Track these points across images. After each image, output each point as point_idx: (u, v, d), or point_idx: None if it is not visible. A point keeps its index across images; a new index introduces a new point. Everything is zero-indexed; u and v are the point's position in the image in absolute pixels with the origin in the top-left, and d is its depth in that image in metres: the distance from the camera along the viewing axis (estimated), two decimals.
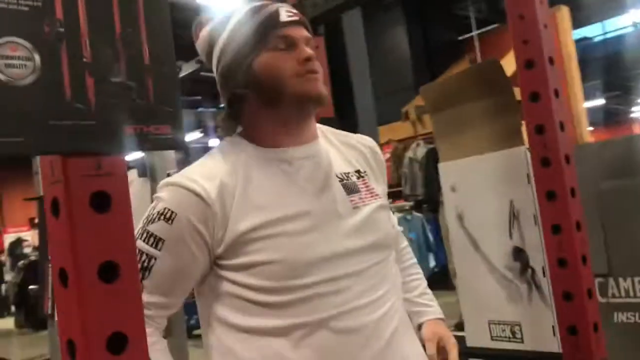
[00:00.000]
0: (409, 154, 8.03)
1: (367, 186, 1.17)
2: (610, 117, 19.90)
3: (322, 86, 1.09)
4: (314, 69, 1.07)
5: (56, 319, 1.04)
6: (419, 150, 7.71)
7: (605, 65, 16.08)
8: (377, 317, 1.08)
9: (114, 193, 0.70)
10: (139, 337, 0.71)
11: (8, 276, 12.03)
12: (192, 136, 14.43)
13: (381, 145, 8.93)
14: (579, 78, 7.69)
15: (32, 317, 9.40)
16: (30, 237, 13.10)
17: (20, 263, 10.58)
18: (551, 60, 1.43)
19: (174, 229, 1.01)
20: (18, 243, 12.82)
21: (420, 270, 1.37)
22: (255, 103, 1.10)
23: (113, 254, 0.69)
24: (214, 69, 1.14)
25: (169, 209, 1.02)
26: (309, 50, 1.08)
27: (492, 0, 11.19)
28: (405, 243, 1.40)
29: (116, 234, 0.70)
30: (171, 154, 2.47)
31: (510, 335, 2.03)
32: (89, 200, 0.68)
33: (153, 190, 2.19)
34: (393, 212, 5.44)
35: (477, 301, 2.14)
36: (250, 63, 1.07)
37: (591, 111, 18.17)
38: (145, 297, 1.00)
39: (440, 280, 5.06)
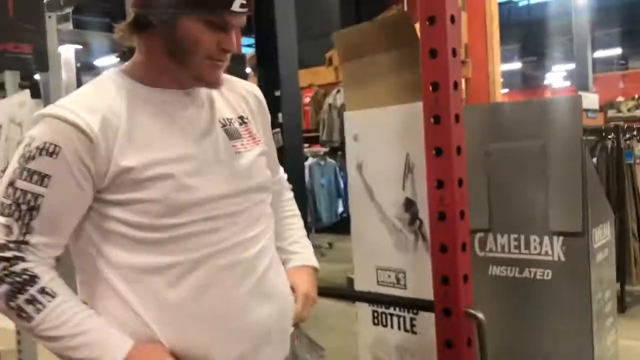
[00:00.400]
0: (329, 100, 8.05)
1: (249, 132, 1.20)
2: (525, 81, 20.76)
3: (221, 74, 1.13)
4: (223, 59, 1.10)
5: None
6: (339, 97, 7.74)
7: (525, 31, 16.61)
8: (252, 254, 1.11)
9: None
10: None
11: None
12: (107, 60, 13.76)
13: (302, 89, 8.91)
14: (498, 40, 7.92)
15: None
16: None
17: None
18: (452, 19, 1.45)
19: (60, 164, 0.98)
20: None
21: (299, 221, 1.42)
22: (159, 44, 1.08)
23: None
24: None
25: (51, 143, 0.99)
26: (233, 41, 1.09)
27: None
28: (289, 195, 1.45)
29: None
30: (71, 74, 2.34)
31: (395, 282, 2.13)
32: None
33: None
34: (307, 157, 5.47)
35: (367, 247, 2.22)
36: (180, 15, 1.04)
37: (508, 74, 18.87)
38: (35, 239, 0.98)
39: (347, 225, 5.21)
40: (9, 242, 0.97)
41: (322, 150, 7.39)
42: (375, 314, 2.21)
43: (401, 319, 2.11)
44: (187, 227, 1.05)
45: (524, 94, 20.92)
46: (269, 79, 6.10)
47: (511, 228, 1.99)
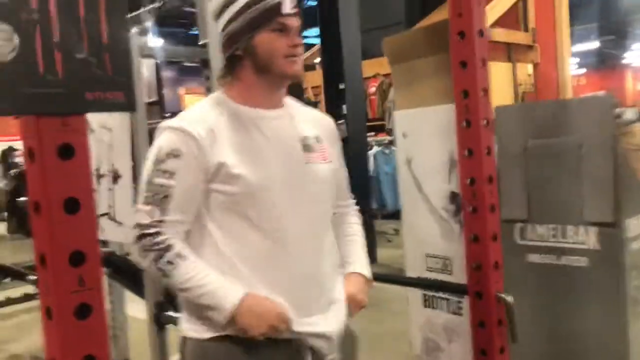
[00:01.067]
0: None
1: (322, 150, 1.44)
2: (603, 61, 19.88)
3: (300, 67, 1.39)
4: (297, 54, 1.37)
5: None
6: None
7: (602, 8, 15.93)
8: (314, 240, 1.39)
9: (76, 145, 0.92)
10: (94, 256, 0.94)
11: (0, 184, 12.28)
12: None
13: (368, 79, 9.03)
14: (568, 24, 7.69)
15: (23, 224, 9.73)
16: (22, 146, 13.18)
17: (12, 171, 10.79)
18: (481, 33, 1.61)
19: (182, 163, 1.31)
20: (10, 151, 12.96)
21: (361, 240, 1.58)
22: (249, 66, 1.38)
23: (75, 192, 0.91)
24: (220, 27, 1.40)
25: (175, 149, 1.31)
26: (298, 40, 1.37)
27: None
28: (357, 220, 1.61)
29: (77, 177, 0.91)
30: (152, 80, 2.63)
31: (443, 268, 2.31)
32: (56, 150, 0.90)
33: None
34: (372, 146, 5.61)
35: (417, 236, 2.40)
36: (253, 35, 1.35)
37: (584, 54, 18.16)
38: (170, 218, 1.30)
39: None
40: (152, 222, 1.29)
41: (387, 138, 7.51)
42: (426, 297, 2.40)
43: (448, 302, 2.28)
44: (261, 212, 1.33)
45: (602, 74, 20.06)
46: (333, 72, 6.31)
47: (549, 218, 2.11)
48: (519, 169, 2.14)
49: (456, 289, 1.93)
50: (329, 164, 1.44)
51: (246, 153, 1.34)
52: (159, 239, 1.29)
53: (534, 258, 2.14)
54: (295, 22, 1.37)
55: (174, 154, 1.31)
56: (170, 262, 1.28)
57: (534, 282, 2.15)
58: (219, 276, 1.31)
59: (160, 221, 1.29)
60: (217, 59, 2.43)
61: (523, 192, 2.14)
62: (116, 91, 0.95)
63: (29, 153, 0.91)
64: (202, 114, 1.37)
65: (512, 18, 8.82)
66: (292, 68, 1.36)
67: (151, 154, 1.35)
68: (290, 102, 1.48)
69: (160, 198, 1.30)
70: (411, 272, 2.46)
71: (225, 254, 1.33)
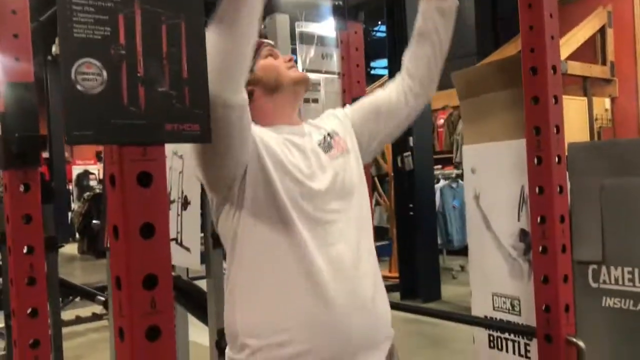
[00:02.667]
0: None
1: (337, 143, 1.50)
2: None
3: (305, 73, 1.55)
4: (294, 65, 1.51)
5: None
6: None
7: None
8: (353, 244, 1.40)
9: (155, 173, 0.96)
10: (167, 279, 0.97)
11: (74, 205, 12.89)
12: None
13: (437, 111, 8.98)
14: None
15: (93, 245, 10.15)
16: (97, 170, 13.86)
17: (86, 194, 11.33)
18: (554, 69, 1.58)
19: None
20: (85, 175, 13.64)
21: None
22: (261, 93, 1.46)
23: (151, 218, 0.95)
24: None
25: None
26: (288, 56, 1.53)
27: None
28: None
29: (154, 203, 0.96)
30: None
31: (510, 308, 2.24)
32: (136, 178, 0.94)
33: None
34: (439, 179, 5.62)
35: (484, 274, 2.34)
36: (252, 68, 1.41)
37: None
38: None
39: None
40: None
41: (455, 172, 7.41)
42: (491, 338, 2.32)
43: (516, 344, 2.20)
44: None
45: None
46: None
47: (625, 261, 2.01)
48: (594, 208, 2.06)
49: (524, 331, 1.86)
50: (347, 154, 1.50)
51: (279, 156, 1.39)
52: None
53: (610, 302, 2.04)
54: (277, 51, 1.53)
55: None
56: None
57: (609, 328, 2.04)
58: None
59: None
60: None
61: (598, 232, 2.06)
62: (193, 123, 0.99)
63: (111, 179, 0.96)
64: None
65: (589, 51, 8.67)
66: (297, 73, 1.49)
67: None
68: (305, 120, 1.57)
69: None
70: (477, 311, 2.39)
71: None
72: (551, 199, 1.54)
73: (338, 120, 1.57)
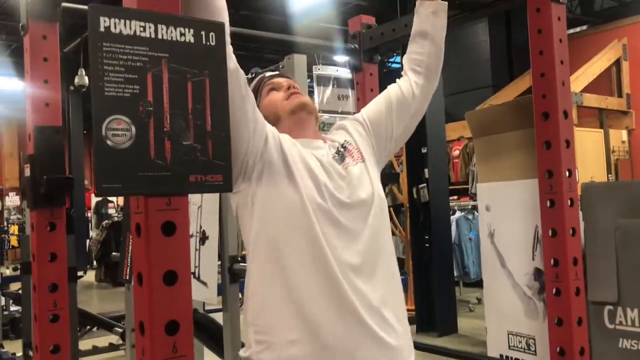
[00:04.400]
0: None
1: (350, 153, 1.55)
2: None
3: (303, 98, 1.58)
4: (294, 92, 1.58)
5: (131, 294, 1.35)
6: None
7: None
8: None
9: (178, 223, 1.01)
10: (188, 324, 1.01)
11: (92, 233, 13.02)
12: None
13: (452, 142, 9.01)
14: None
15: (111, 273, 10.21)
16: (115, 198, 14.00)
17: (104, 222, 11.42)
18: (565, 114, 1.61)
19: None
20: (103, 203, 13.78)
21: None
22: (275, 124, 1.55)
23: (174, 266, 1.00)
24: None
25: None
26: (289, 82, 1.60)
27: (586, 1, 10.87)
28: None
29: (177, 252, 1.00)
30: None
31: (526, 347, 2.23)
32: (161, 227, 0.99)
33: None
34: (455, 211, 5.61)
35: (499, 312, 2.34)
36: (258, 104, 1.54)
37: None
38: None
39: None
40: None
41: (470, 203, 7.40)
42: None
43: None
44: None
45: None
46: (416, 136, 6.30)
47: None
48: (609, 249, 2.07)
49: None
50: (361, 162, 1.55)
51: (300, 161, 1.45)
52: None
53: (626, 344, 2.04)
54: (282, 79, 1.62)
55: None
56: None
57: None
58: None
59: None
60: None
61: (613, 273, 2.06)
62: (216, 174, 1.04)
63: (137, 228, 1.01)
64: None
65: (605, 83, 8.69)
66: (294, 101, 1.56)
67: None
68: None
69: None
70: (493, 349, 2.39)
71: None
72: (564, 242, 1.56)
73: (351, 129, 1.64)
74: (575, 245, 1.59)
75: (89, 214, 14.37)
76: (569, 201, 1.60)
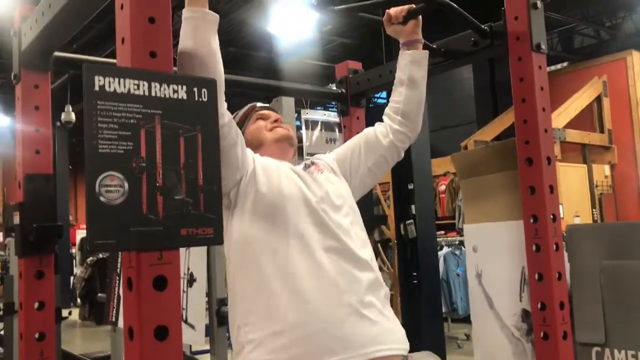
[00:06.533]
0: None
1: (317, 166, 1.70)
2: None
3: (286, 131, 1.72)
4: (280, 125, 1.73)
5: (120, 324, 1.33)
6: None
7: None
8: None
9: (169, 277, 1.01)
10: None
11: (76, 270, 12.83)
12: None
13: (438, 177, 9.09)
14: None
15: (95, 312, 10.04)
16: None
17: (89, 259, 11.27)
18: (548, 160, 1.65)
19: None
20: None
21: None
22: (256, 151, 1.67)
23: (165, 321, 1.00)
24: None
25: None
26: (276, 115, 1.75)
27: (566, 39, 11.14)
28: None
29: (168, 307, 1.00)
30: None
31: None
32: (152, 282, 1.00)
33: None
34: (442, 246, 5.64)
35: (488, 353, 2.34)
36: (244, 130, 1.71)
37: None
38: None
39: None
40: None
41: (458, 239, 7.43)
42: None
43: None
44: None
45: None
46: (403, 172, 6.41)
47: (629, 344, 2.03)
48: (594, 290, 2.10)
49: None
50: (327, 172, 1.68)
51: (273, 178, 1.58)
52: None
53: None
54: (271, 112, 1.76)
55: None
56: None
57: None
58: None
59: None
60: None
61: (599, 314, 2.08)
62: (207, 227, 1.05)
63: (128, 283, 1.01)
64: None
65: (587, 119, 8.85)
66: (280, 131, 1.71)
67: None
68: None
69: None
70: None
71: None
72: (550, 286, 1.58)
73: (321, 157, 1.77)
74: (561, 289, 1.61)
75: (74, 250, 14.18)
76: (555, 246, 1.63)
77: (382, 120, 1.81)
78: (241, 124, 1.72)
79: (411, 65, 1.76)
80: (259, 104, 1.81)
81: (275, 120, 1.74)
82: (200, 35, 1.33)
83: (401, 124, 1.76)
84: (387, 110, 1.80)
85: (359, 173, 1.76)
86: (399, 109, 1.76)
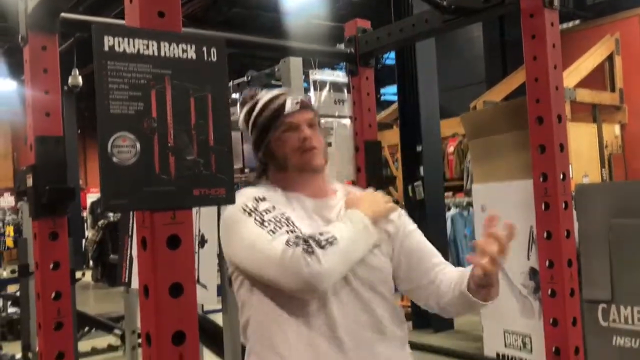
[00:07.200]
0: None
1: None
2: None
3: (317, 158, 1.46)
4: (311, 146, 1.45)
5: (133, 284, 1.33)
6: None
7: None
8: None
9: (183, 236, 1.03)
10: (194, 335, 1.04)
11: (88, 233, 13.00)
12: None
13: (447, 139, 9.04)
14: None
15: (108, 274, 10.22)
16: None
17: (100, 222, 11.41)
18: (559, 118, 1.64)
19: (271, 202, 1.38)
20: (98, 203, 13.75)
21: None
22: (273, 170, 1.50)
23: (179, 278, 1.02)
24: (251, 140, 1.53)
25: (258, 196, 1.39)
26: (306, 131, 1.45)
27: None
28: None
29: (182, 265, 1.02)
30: None
31: (522, 345, 2.27)
32: (166, 241, 1.01)
33: None
34: (450, 207, 5.51)
35: (495, 311, 2.37)
36: (267, 142, 1.47)
37: None
38: (295, 234, 1.30)
39: None
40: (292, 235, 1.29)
41: (465, 200, 7.44)
42: None
43: None
44: None
45: None
46: (411, 135, 6.38)
47: (634, 300, 2.05)
48: (602, 249, 2.11)
49: None
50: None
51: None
52: (306, 235, 1.28)
53: (620, 342, 2.07)
54: (302, 117, 1.46)
55: (260, 199, 1.37)
56: (328, 241, 1.27)
57: None
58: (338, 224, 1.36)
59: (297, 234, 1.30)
60: None
61: (606, 272, 2.10)
62: (219, 187, 1.06)
63: (142, 242, 1.03)
64: (258, 190, 1.43)
65: (598, 78, 8.72)
66: (305, 159, 1.43)
67: (234, 219, 1.36)
68: (342, 191, 1.52)
69: (284, 220, 1.32)
70: (489, 347, 2.42)
71: None
72: (559, 244, 1.59)
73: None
74: (569, 247, 1.62)
75: (85, 214, 14.35)
76: (564, 204, 1.63)
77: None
78: (266, 129, 1.47)
79: (463, 301, 1.44)
80: (290, 103, 1.47)
81: (305, 138, 1.44)
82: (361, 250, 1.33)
83: (426, 304, 1.56)
84: (445, 281, 1.49)
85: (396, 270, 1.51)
86: (448, 304, 1.49)
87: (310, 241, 1.26)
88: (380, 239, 1.42)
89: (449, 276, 1.49)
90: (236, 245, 1.37)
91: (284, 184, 1.47)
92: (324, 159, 1.47)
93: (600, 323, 2.14)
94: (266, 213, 1.33)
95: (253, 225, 1.32)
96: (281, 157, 1.45)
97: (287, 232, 1.29)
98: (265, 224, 1.31)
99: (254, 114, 1.50)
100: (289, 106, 1.46)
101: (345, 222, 1.35)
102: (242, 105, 1.55)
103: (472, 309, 1.45)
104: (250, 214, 1.34)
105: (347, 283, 1.37)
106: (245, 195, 1.39)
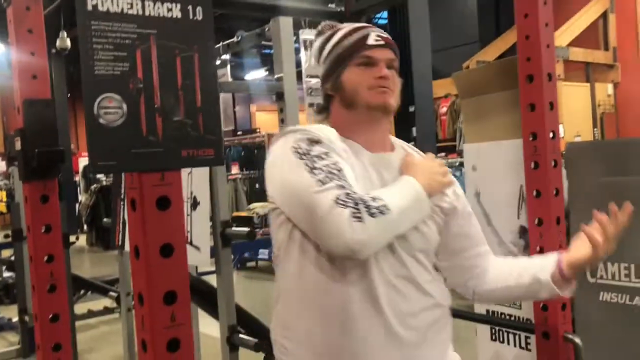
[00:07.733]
0: None
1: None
2: None
3: (390, 98, 1.35)
4: (385, 85, 1.34)
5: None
6: None
7: None
8: None
9: (172, 197, 1.03)
10: (185, 294, 1.05)
11: (81, 197, 13.01)
12: (257, 74, 14.92)
13: (439, 99, 9.02)
14: None
15: (102, 237, 10.28)
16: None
17: (93, 186, 11.42)
18: (549, 77, 1.64)
19: (325, 147, 1.29)
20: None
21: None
22: (338, 103, 1.39)
23: (170, 238, 1.03)
24: (321, 69, 1.44)
25: (312, 138, 1.29)
26: (385, 71, 1.35)
27: None
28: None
29: (172, 225, 1.03)
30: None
31: (511, 302, 2.31)
32: (155, 202, 1.01)
33: None
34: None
35: None
36: (340, 73, 1.37)
37: None
38: (346, 192, 1.20)
39: None
40: (343, 191, 1.19)
41: (458, 160, 7.45)
42: (493, 331, 2.40)
43: (516, 337, 2.28)
44: None
45: None
46: (403, 95, 6.27)
47: (621, 257, 2.08)
48: (592, 207, 2.12)
49: (523, 328, 1.93)
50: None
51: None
52: (356, 196, 1.19)
53: (607, 297, 2.12)
54: (383, 54, 1.35)
55: (314, 141, 1.28)
56: (379, 209, 1.18)
57: (607, 322, 2.12)
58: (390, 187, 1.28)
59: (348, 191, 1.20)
60: (291, 93, 2.56)
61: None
62: (207, 148, 1.06)
63: (132, 203, 1.03)
64: (323, 130, 1.35)
65: (592, 37, 8.67)
66: (377, 98, 1.33)
67: (283, 158, 1.28)
68: (401, 146, 1.46)
69: (336, 171, 1.23)
70: (478, 306, 2.47)
71: None
72: (548, 202, 1.60)
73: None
74: (558, 205, 1.63)
75: (77, 178, 14.31)
76: (553, 162, 1.64)
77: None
78: (341, 59, 1.37)
79: (541, 288, 1.41)
80: (373, 37, 1.37)
81: (382, 77, 1.34)
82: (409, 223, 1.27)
83: (461, 286, 1.56)
84: (495, 269, 1.50)
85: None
86: (490, 291, 1.51)
87: (361, 205, 1.17)
88: (433, 210, 1.36)
89: (500, 264, 1.50)
90: (279, 187, 1.30)
91: (345, 125, 1.38)
92: (396, 104, 1.37)
93: (588, 279, 2.17)
94: (319, 159, 1.24)
95: (302, 170, 1.23)
96: (351, 91, 1.35)
97: (337, 188, 1.19)
98: (316, 171, 1.22)
99: (332, 42, 1.40)
100: (372, 40, 1.36)
101: (400, 190, 1.26)
102: (318, 35, 1.46)
103: (535, 297, 1.53)
104: (301, 157, 1.25)
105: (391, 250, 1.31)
106: (300, 134, 1.31)
